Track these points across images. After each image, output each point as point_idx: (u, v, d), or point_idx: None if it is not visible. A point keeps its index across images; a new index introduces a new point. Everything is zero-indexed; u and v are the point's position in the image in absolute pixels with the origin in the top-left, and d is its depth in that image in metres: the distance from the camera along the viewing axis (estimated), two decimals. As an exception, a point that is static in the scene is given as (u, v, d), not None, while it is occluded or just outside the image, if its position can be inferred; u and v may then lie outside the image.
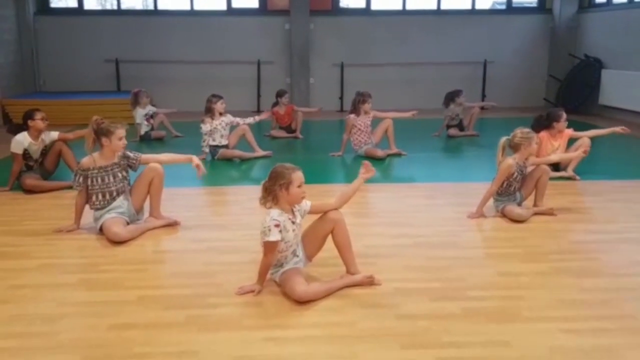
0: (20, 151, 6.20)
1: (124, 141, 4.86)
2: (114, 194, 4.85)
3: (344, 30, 13.51)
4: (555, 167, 6.57)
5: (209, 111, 7.94)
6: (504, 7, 14.04)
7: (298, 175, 3.58)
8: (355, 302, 3.54)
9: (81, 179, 4.82)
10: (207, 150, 7.93)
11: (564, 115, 6.59)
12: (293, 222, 3.64)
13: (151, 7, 13.51)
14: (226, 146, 8.01)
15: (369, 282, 3.76)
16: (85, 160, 4.82)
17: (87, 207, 4.90)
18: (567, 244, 4.63)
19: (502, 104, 12.84)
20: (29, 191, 6.13)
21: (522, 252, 4.39)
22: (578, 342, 3.07)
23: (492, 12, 14.15)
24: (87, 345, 3.06)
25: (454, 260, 4.21)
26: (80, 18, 13.22)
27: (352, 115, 8.05)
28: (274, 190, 3.57)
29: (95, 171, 4.80)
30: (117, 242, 4.56)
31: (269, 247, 3.53)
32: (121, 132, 4.82)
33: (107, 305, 3.52)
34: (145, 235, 4.80)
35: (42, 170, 6.47)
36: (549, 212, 5.26)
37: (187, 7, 13.41)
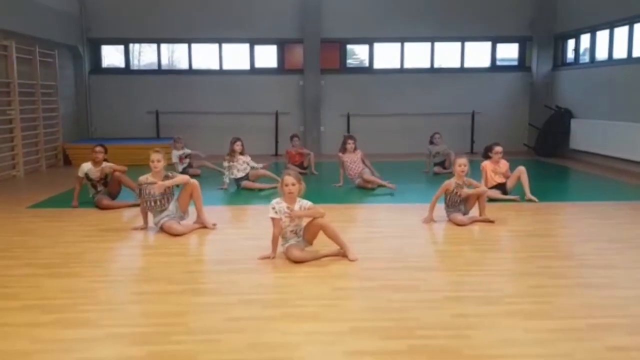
0: (82, 174, 8.24)
1: (156, 163, 6.79)
2: (160, 202, 6.75)
3: (350, 85, 15.18)
4: (504, 191, 8.50)
5: (230, 151, 9.87)
6: (488, 65, 15.67)
7: (285, 178, 5.46)
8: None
9: (139, 191, 6.83)
10: (227, 181, 9.73)
11: (496, 148, 8.50)
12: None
13: (186, 67, 15.45)
14: (246, 178, 9.77)
15: (343, 254, 5.61)
16: (141, 178, 6.84)
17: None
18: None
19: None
20: (104, 209, 8.12)
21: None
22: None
23: (478, 69, 15.53)
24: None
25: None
26: (127, 77, 15.15)
27: (340, 154, 9.98)
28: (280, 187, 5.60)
29: (145, 185, 6.79)
30: (175, 235, 6.52)
31: (272, 222, 5.48)
32: (153, 156, 6.81)
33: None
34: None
35: (109, 193, 8.47)
36: (488, 220, 7.15)
37: (217, 67, 15.29)
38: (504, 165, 8.57)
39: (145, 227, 6.88)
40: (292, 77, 15.20)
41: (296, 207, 5.53)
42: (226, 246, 6.11)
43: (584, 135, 13.21)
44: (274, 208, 5.47)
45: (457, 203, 7.19)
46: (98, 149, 8.36)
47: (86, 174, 8.25)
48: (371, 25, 14.99)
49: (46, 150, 12.56)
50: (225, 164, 9.83)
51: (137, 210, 7.45)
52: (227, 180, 9.78)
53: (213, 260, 5.69)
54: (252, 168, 9.92)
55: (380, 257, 5.64)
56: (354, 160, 9.85)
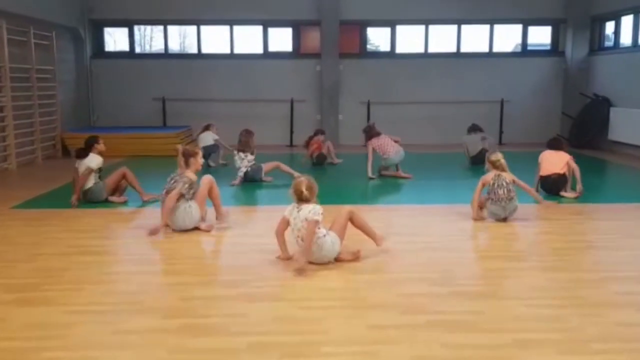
0: (97, 167, 7.38)
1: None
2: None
3: (371, 71, 14.35)
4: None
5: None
6: (519, 49, 14.80)
7: (297, 183, 4.99)
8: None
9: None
10: (241, 175, 8.96)
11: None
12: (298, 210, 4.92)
13: (195, 51, 14.62)
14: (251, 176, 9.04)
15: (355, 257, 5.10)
16: (192, 176, 6.15)
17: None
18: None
19: (518, 140, 13.78)
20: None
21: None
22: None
23: (508, 54, 14.75)
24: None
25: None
26: (132, 61, 14.32)
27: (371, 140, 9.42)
28: None
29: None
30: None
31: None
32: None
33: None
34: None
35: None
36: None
37: (228, 51, 14.45)
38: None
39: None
40: (308, 61, 14.39)
41: (304, 212, 4.88)
42: (237, 261, 5.16)
43: (624, 125, 12.42)
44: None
45: (502, 198, 6.39)
46: (102, 140, 7.68)
47: (98, 166, 7.51)
48: (393, 6, 14.13)
49: (43, 140, 11.68)
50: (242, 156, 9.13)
51: (133, 213, 6.43)
52: (241, 174, 8.96)
53: (220, 282, 4.71)
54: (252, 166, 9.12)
55: (421, 277, 4.67)
56: (385, 143, 9.40)
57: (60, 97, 12.50)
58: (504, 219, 6.48)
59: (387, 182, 9.31)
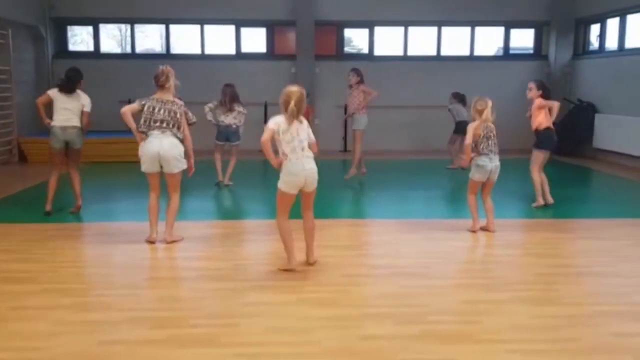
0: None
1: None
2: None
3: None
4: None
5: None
6: (501, 52, 14.40)
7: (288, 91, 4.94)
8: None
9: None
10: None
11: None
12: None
13: (164, 51, 14.03)
14: (234, 132, 9.15)
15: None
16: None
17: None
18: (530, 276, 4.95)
19: (501, 146, 13.17)
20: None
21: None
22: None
23: (490, 58, 14.39)
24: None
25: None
26: (97, 61, 13.61)
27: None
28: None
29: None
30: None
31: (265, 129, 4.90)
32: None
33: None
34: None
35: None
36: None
37: (198, 51, 13.88)
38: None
39: None
40: (283, 63, 13.89)
41: (296, 126, 4.85)
42: (176, 292, 4.54)
43: (610, 132, 12.06)
44: (276, 122, 4.89)
45: (491, 149, 6.32)
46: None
47: None
48: (371, 6, 13.66)
49: (-3, 145, 10.97)
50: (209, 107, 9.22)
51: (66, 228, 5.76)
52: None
53: (149, 321, 4.08)
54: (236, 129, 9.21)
55: (387, 312, 4.09)
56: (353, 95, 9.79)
57: (18, 99, 11.79)
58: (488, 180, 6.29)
59: (362, 190, 8.90)
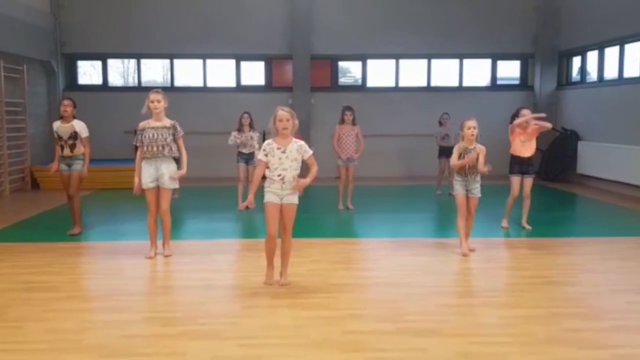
0: (55, 134, 7.84)
1: (156, 104, 6.49)
2: (162, 146, 6.82)
3: (342, 104, 14.29)
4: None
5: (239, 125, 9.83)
6: (488, 83, 14.98)
7: (279, 114, 5.21)
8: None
9: (140, 137, 6.51)
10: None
11: (523, 111, 8.34)
12: (283, 152, 5.19)
13: (168, 84, 14.57)
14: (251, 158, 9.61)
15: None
16: (141, 123, 6.54)
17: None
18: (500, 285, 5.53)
19: (490, 173, 13.81)
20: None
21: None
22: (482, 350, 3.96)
23: (478, 88, 14.89)
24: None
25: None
26: (104, 94, 14.30)
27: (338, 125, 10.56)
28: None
29: (147, 129, 6.61)
30: None
31: (257, 163, 5.38)
32: (152, 96, 6.49)
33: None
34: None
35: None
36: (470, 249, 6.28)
37: (201, 84, 14.51)
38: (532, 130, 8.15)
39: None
40: (280, 95, 14.37)
41: (291, 147, 5.23)
42: (183, 297, 5.14)
43: (592, 159, 12.57)
44: (264, 150, 5.24)
45: (469, 172, 6.61)
46: (66, 102, 7.91)
47: (56, 132, 7.77)
48: (364, 40, 14.34)
49: (12, 173, 11.60)
50: (232, 139, 9.77)
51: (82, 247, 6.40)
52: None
53: (163, 319, 4.68)
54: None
55: (370, 314, 4.68)
56: (349, 134, 10.11)
57: (31, 131, 12.45)
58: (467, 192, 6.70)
59: (354, 213, 9.49)
